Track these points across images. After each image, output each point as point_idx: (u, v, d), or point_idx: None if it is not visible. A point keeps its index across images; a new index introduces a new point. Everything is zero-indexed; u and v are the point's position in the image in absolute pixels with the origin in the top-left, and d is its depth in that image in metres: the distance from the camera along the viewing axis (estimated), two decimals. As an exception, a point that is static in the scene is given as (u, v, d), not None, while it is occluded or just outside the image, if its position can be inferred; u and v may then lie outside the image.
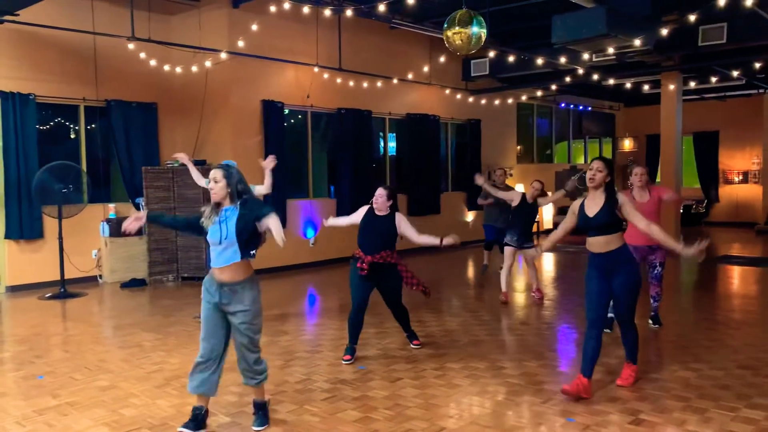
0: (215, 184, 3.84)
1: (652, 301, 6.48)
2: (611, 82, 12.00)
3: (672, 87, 12.32)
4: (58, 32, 8.85)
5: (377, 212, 5.50)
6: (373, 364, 5.40)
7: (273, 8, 9.29)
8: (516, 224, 7.81)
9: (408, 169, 13.18)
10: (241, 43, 9.55)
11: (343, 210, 11.60)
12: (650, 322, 6.51)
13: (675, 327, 6.67)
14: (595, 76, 11.69)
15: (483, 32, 7.15)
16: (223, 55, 9.51)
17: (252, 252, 3.93)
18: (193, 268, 9.95)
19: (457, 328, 6.64)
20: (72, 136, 10.04)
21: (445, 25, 7.18)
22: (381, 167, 12.98)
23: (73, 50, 9.52)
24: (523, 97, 15.53)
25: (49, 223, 9.12)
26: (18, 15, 7.80)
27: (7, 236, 9.04)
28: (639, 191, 6.19)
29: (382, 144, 13.11)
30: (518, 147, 16.89)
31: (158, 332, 6.60)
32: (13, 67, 9.02)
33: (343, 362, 5.40)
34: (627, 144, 18.90)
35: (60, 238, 8.72)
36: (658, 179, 15.03)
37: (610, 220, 4.44)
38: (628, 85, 13.13)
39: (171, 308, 7.90)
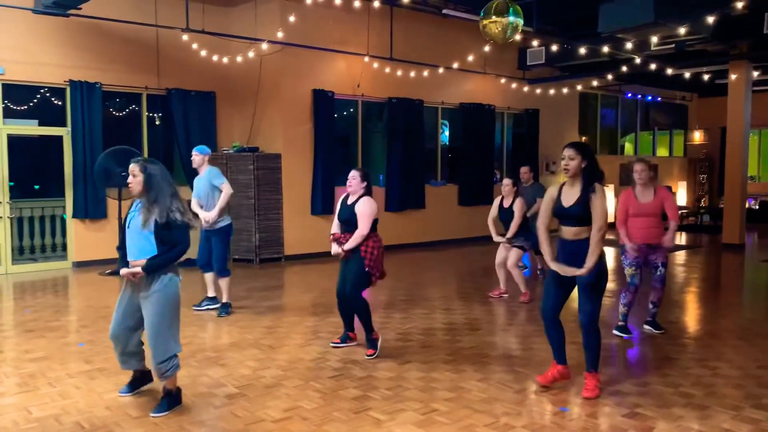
0: (133, 178, 4.02)
1: (651, 306, 6.00)
2: (669, 71, 11.55)
3: (737, 76, 11.74)
4: (123, 24, 9.38)
5: (350, 198, 5.38)
6: (388, 347, 5.54)
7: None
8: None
9: (461, 159, 13.20)
10: (292, 34, 9.82)
11: (392, 198, 11.79)
12: (650, 328, 6.02)
13: (704, 324, 6.49)
14: (653, 66, 11.30)
15: (519, 21, 7.11)
16: (264, 46, 9.80)
17: None
18: (243, 251, 10.37)
19: (481, 317, 6.69)
20: (135, 123, 10.63)
21: (482, 14, 7.19)
22: (433, 157, 13.04)
23: (137, 41, 10.08)
24: (579, 87, 15.07)
25: (112, 204, 9.72)
26: (81, 9, 8.35)
27: (74, 215, 9.74)
28: (642, 190, 5.77)
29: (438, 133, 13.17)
30: (583, 138, 16.52)
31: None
32: (81, 58, 9.66)
33: (331, 345, 5.53)
34: (697, 137, 18.12)
35: (119, 218, 9.29)
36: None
37: (586, 211, 4.20)
38: (687, 75, 12.59)
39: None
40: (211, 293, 7.03)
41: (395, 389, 4.50)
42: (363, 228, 5.19)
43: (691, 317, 7.01)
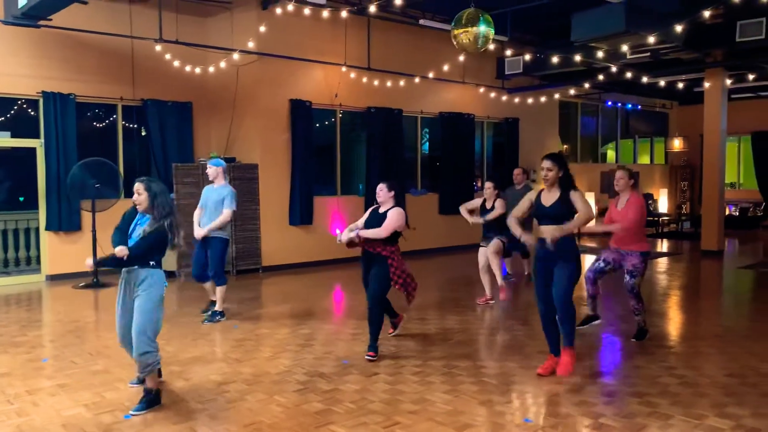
0: (138, 196, 4.35)
1: (634, 314, 6.08)
2: (645, 80, 11.62)
3: (712, 84, 11.82)
4: (97, 35, 9.31)
5: (380, 208, 5.66)
6: (358, 359, 5.48)
7: (305, 10, 9.49)
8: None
9: (441, 168, 13.19)
10: (269, 44, 9.80)
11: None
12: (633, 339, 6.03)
13: (676, 332, 6.49)
14: (629, 74, 11.36)
15: (490, 31, 7.13)
16: (236, 56, 9.79)
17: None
18: (220, 262, 10.25)
19: (455, 327, 6.65)
20: (110, 134, 10.54)
21: (453, 24, 7.20)
22: (413, 166, 13.02)
23: (112, 52, 10.01)
24: (556, 96, 15.09)
25: (87, 216, 9.61)
26: (51, 20, 8.28)
27: (48, 228, 9.62)
28: (619, 197, 5.95)
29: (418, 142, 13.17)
30: (565, 146, 16.57)
31: (167, 321, 6.87)
32: (54, 69, 9.57)
33: (389, 335, 6.08)
34: (677, 144, 18.25)
35: (93, 230, 9.17)
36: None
37: (564, 210, 4.72)
38: (662, 83, 12.68)
39: (189, 300, 8.23)
40: (213, 298, 7.19)
41: (359, 402, 4.45)
42: (383, 229, 5.43)
43: (663, 325, 6.99)
